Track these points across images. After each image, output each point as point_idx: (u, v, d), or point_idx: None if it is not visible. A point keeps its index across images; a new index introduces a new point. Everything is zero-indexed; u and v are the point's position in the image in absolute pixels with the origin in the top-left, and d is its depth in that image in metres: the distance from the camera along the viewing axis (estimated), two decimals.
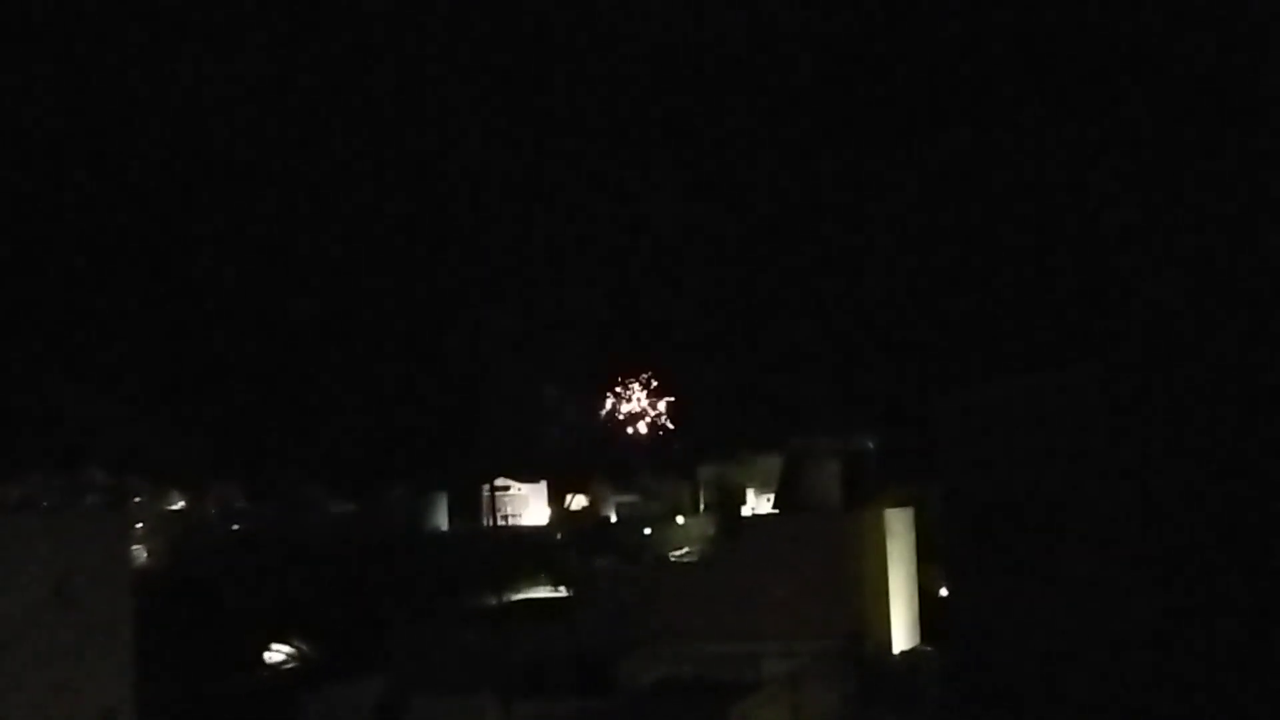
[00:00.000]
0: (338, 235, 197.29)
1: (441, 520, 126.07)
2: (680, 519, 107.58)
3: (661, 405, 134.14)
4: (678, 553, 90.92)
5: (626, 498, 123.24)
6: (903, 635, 60.15)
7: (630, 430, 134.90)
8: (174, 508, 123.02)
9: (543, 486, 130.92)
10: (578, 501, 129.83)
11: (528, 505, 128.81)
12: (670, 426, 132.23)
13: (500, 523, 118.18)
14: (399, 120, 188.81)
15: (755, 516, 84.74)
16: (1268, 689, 16.90)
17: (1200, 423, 17.85)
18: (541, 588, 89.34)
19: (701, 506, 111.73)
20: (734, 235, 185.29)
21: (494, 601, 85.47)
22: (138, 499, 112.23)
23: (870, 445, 79.35)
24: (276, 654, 78.35)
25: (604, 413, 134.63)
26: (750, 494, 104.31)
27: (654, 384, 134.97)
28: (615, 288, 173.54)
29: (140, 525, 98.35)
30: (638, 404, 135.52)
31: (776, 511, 71.83)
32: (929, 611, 60.72)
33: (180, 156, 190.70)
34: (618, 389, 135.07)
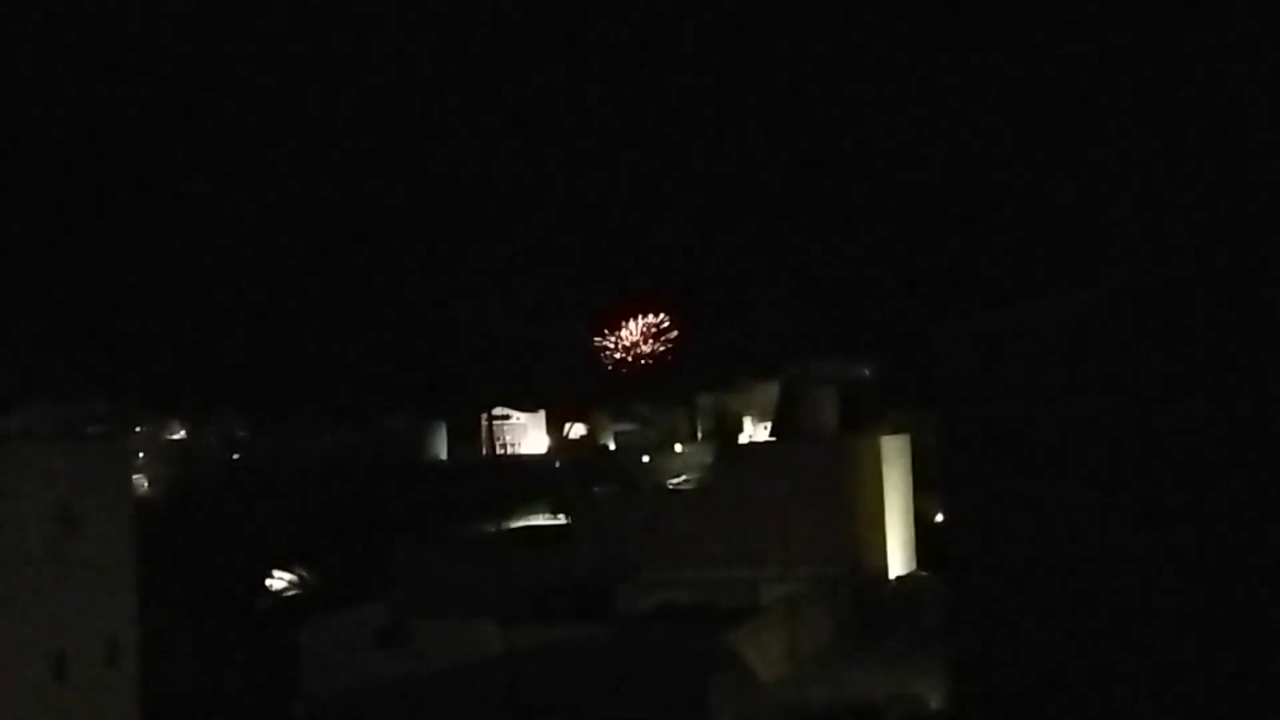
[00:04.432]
0: (340, 170, 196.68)
1: (441, 449, 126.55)
2: (678, 447, 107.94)
3: (660, 334, 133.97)
4: (676, 480, 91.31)
5: (625, 426, 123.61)
6: (899, 561, 60.57)
7: (629, 358, 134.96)
8: (175, 437, 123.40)
9: (541, 415, 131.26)
10: (576, 430, 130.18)
11: (526, 434, 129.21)
12: (669, 355, 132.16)
13: (499, 451, 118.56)
14: (395, 69, 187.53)
15: (752, 444, 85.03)
16: (1265, 616, 17.10)
17: (1201, 350, 17.93)
18: (540, 515, 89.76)
19: (699, 434, 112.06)
20: (733, 164, 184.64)
21: (493, 529, 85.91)
22: (139, 429, 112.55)
23: (867, 373, 79.60)
24: (279, 581, 78.85)
25: (604, 341, 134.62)
26: (748, 422, 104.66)
27: (654, 313, 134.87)
28: (616, 217, 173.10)
29: (142, 455, 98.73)
30: (637, 333, 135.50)
31: (774, 439, 72.12)
32: (925, 537, 61.09)
33: (174, 108, 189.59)
34: (618, 318, 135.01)
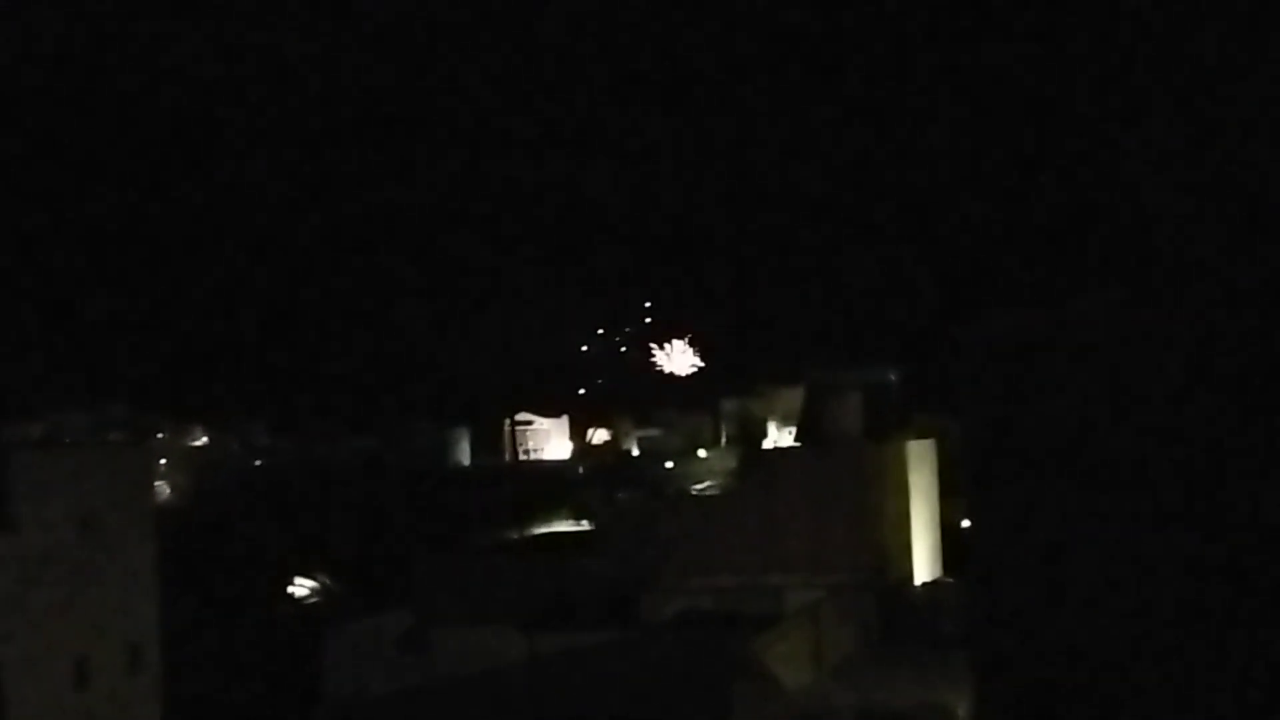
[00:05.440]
0: (365, 172, 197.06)
1: (464, 455, 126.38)
2: (702, 453, 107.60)
3: (685, 342, 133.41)
4: (699, 486, 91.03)
5: (648, 432, 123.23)
6: (924, 567, 60.16)
7: (654, 365, 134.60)
8: (196, 444, 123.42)
9: (564, 421, 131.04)
10: (599, 436, 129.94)
11: (549, 440, 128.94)
12: (697, 362, 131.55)
13: (522, 457, 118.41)
14: (419, 62, 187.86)
15: (777, 449, 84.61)
16: None
17: (1224, 350, 17.66)
18: (563, 521, 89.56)
19: (723, 440, 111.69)
20: (756, 170, 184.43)
21: (516, 535, 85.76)
22: (160, 435, 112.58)
23: (892, 377, 79.13)
24: (301, 588, 78.83)
25: (628, 348, 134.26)
26: (772, 427, 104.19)
27: (678, 321, 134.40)
28: (638, 225, 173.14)
29: (163, 461, 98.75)
30: (664, 343, 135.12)
31: (798, 444, 71.76)
32: (951, 543, 60.70)
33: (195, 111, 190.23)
34: (643, 326, 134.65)
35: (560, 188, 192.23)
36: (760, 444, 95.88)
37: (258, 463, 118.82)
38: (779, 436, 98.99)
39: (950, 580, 58.52)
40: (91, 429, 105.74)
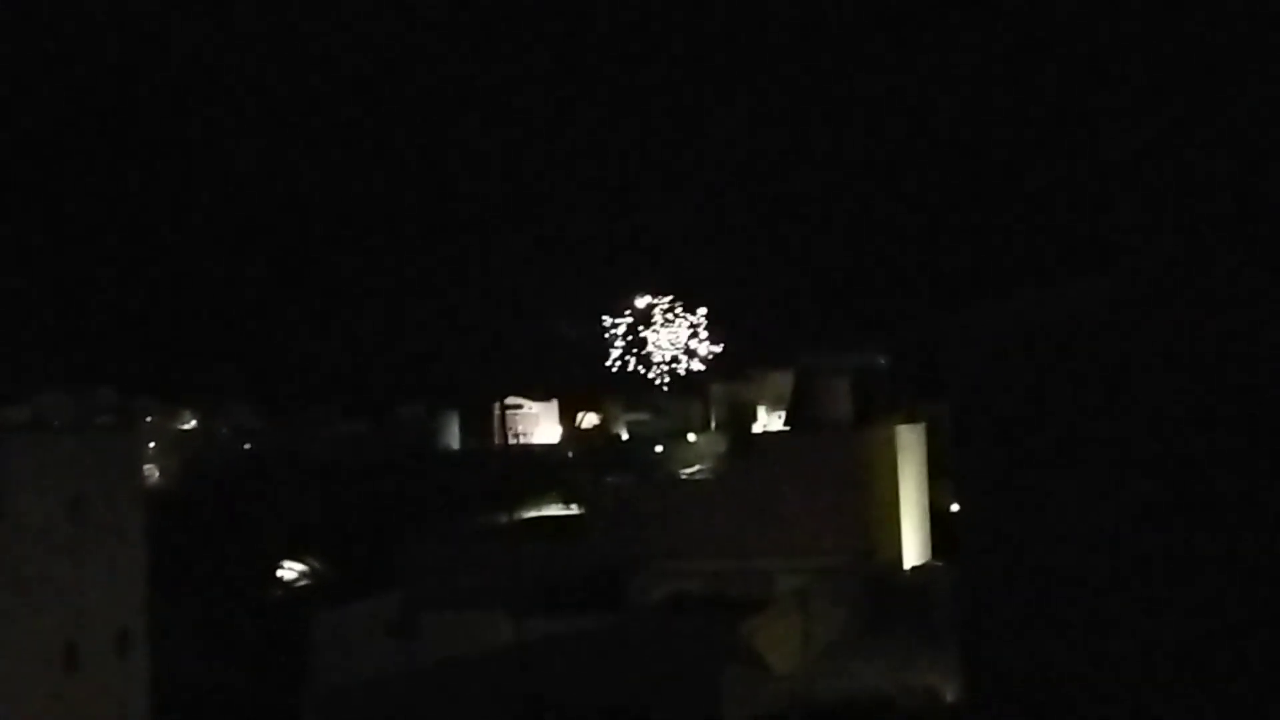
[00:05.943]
0: (354, 154, 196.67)
1: (453, 439, 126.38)
2: (692, 436, 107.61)
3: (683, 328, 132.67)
4: (689, 470, 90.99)
5: (638, 415, 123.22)
6: (914, 551, 60.23)
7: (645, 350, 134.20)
8: (185, 427, 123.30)
9: (554, 405, 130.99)
10: (589, 419, 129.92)
11: (539, 423, 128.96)
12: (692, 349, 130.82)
13: (511, 441, 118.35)
14: (417, 41, 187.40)
15: (766, 433, 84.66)
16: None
17: (1212, 334, 17.67)
18: (553, 505, 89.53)
19: (713, 424, 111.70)
20: (746, 153, 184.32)
21: (505, 519, 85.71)
22: (149, 419, 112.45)
23: (882, 361, 79.19)
24: (290, 571, 78.77)
25: (617, 331, 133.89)
26: (761, 411, 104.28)
27: (671, 304, 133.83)
28: (629, 208, 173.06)
29: (152, 445, 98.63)
30: (655, 326, 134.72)
31: (788, 429, 71.77)
32: (940, 527, 60.75)
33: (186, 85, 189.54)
34: (634, 309, 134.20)
35: (548, 171, 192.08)
36: (750, 428, 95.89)
37: (246, 446, 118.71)
38: (768, 421, 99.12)
39: (940, 564, 58.58)
40: (79, 413, 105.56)
